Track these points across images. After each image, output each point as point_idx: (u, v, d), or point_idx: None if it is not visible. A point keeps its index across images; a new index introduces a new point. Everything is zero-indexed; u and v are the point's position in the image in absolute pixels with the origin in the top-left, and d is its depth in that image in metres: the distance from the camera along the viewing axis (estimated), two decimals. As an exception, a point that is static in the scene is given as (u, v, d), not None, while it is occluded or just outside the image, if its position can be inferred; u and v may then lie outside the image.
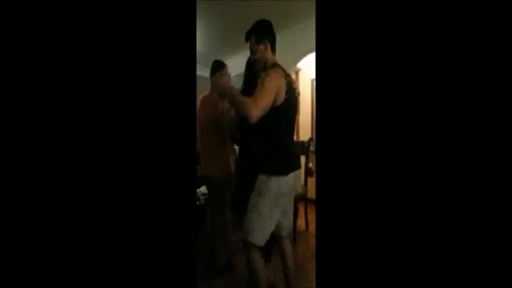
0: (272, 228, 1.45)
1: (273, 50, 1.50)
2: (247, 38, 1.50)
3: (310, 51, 3.38)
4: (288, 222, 1.57)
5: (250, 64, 1.68)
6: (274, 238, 1.54)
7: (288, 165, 1.43)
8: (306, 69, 4.02)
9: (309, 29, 3.24)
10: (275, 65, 1.43)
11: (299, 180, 1.52)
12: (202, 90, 2.22)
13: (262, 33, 1.47)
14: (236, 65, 4.27)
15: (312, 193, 2.98)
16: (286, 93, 1.35)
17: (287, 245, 1.59)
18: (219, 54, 4.33)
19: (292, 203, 1.58)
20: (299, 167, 1.51)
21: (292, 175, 1.43)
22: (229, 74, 2.06)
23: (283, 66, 1.46)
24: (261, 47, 1.46)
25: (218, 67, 2.08)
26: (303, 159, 2.93)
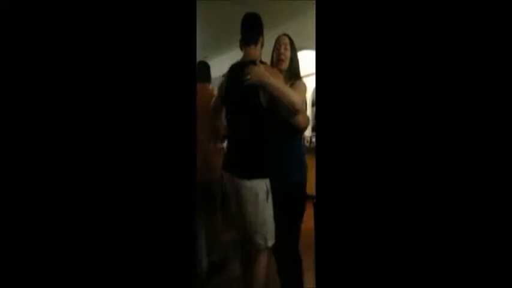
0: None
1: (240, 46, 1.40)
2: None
3: (301, 49, 3.38)
4: (248, 235, 1.33)
5: None
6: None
7: (225, 164, 1.41)
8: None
9: (299, 27, 3.25)
10: None
11: (239, 190, 1.29)
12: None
13: None
14: (229, 63, 4.26)
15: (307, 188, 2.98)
16: (225, 93, 1.39)
17: (255, 263, 1.35)
18: (211, 53, 4.30)
19: (245, 216, 1.30)
20: (236, 172, 1.31)
21: (227, 175, 1.36)
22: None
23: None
24: None
25: (203, 68, 2.18)
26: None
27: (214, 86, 3.75)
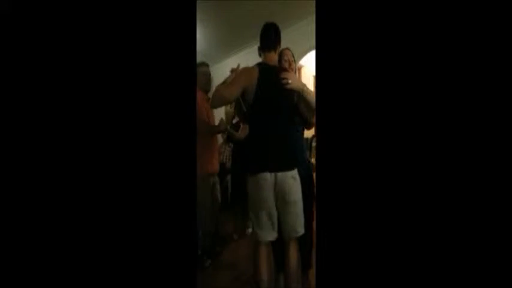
0: (268, 226, 1.44)
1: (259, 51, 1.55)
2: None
3: (311, 49, 3.38)
4: (287, 226, 1.44)
5: None
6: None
7: (257, 165, 1.42)
8: (308, 66, 4.02)
9: (309, 27, 3.24)
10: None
11: (284, 182, 1.39)
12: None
13: None
14: (236, 64, 4.29)
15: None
16: (257, 91, 1.41)
17: (290, 250, 1.48)
18: (219, 54, 4.32)
19: (289, 206, 1.42)
20: (280, 168, 1.40)
21: (266, 175, 1.38)
22: (210, 74, 2.24)
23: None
24: None
25: (200, 66, 2.21)
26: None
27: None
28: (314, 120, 1.54)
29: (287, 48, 1.68)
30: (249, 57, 4.35)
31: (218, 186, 2.18)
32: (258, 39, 1.52)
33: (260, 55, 1.54)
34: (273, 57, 1.51)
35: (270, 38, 1.50)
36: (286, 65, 1.63)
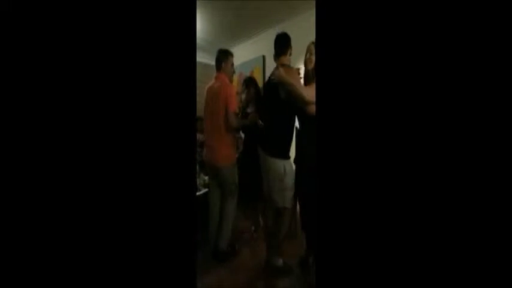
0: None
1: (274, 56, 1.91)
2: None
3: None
4: (274, 198, 1.84)
5: None
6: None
7: (261, 145, 1.90)
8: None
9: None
10: None
11: (272, 164, 1.80)
12: (208, 77, 2.24)
13: None
14: (242, 54, 4.29)
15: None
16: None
17: (282, 216, 1.87)
18: (225, 43, 4.30)
19: (272, 181, 1.81)
20: (270, 153, 1.81)
21: (261, 156, 1.88)
22: (233, 63, 2.21)
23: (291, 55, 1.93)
24: None
25: (224, 55, 2.15)
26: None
27: (242, 71, 3.76)
28: (308, 110, 1.69)
29: (312, 43, 1.85)
30: (254, 47, 4.36)
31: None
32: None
33: (275, 59, 1.89)
34: (285, 59, 1.86)
35: (280, 46, 1.87)
36: (306, 58, 1.87)
